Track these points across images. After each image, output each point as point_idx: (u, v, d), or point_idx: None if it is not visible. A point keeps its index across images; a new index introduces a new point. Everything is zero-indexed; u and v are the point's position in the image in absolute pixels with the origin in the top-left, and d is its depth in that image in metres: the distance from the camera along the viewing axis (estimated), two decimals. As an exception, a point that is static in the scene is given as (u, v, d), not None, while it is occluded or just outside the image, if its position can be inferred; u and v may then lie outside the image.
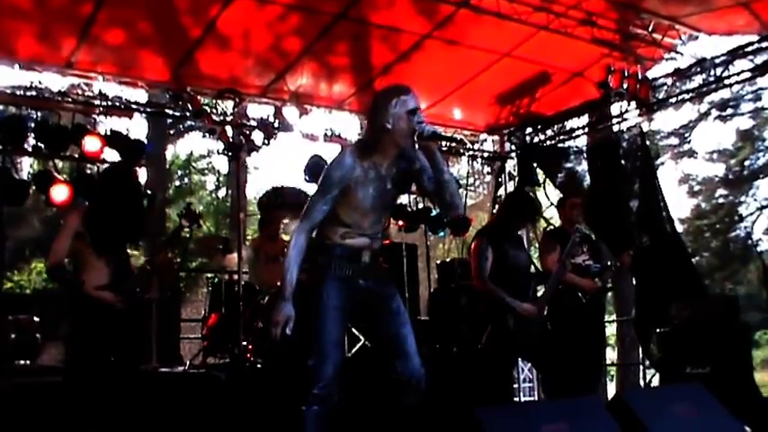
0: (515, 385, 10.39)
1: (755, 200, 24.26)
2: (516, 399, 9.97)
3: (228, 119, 9.30)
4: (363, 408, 5.33)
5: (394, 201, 4.19)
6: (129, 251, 5.50)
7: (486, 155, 11.99)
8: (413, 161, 4.07)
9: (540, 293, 6.44)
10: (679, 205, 24.92)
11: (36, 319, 7.61)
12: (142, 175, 9.96)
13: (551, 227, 8.15)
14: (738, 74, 9.00)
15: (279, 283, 6.10)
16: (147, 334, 7.23)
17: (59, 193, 8.38)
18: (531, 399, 10.50)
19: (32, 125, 8.37)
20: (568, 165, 10.98)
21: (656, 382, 9.13)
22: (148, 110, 9.72)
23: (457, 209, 4.17)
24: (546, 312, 6.36)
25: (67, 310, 5.17)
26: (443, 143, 4.48)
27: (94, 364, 5.02)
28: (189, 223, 6.01)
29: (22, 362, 7.32)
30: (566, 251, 6.49)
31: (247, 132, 9.16)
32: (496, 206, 11.22)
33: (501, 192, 11.73)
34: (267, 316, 7.22)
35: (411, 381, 3.86)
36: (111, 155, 8.84)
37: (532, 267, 6.79)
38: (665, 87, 9.63)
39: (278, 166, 52.83)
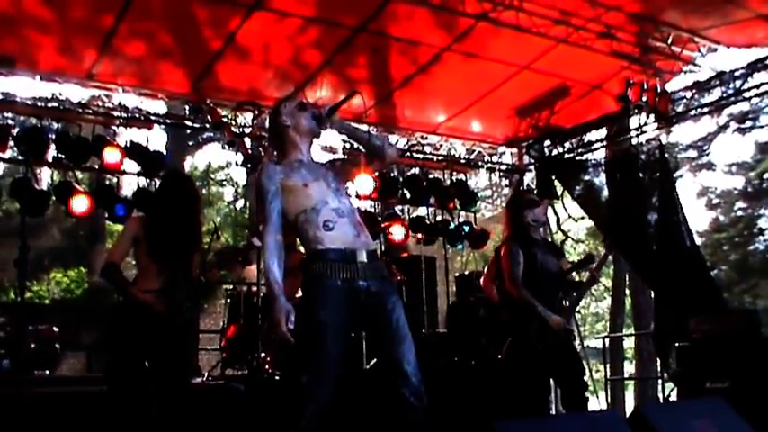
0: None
1: (775, 213, 24.08)
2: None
3: (248, 131, 9.34)
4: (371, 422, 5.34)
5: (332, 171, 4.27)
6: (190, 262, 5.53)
7: (504, 167, 11.98)
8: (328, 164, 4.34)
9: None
10: (698, 218, 24.83)
11: (56, 329, 7.67)
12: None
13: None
14: (758, 86, 8.98)
15: (294, 294, 6.13)
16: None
17: (79, 203, 8.46)
18: (551, 412, 10.43)
19: (53, 136, 8.44)
20: (587, 177, 10.96)
21: (674, 396, 9.07)
22: (168, 121, 9.78)
23: (390, 146, 4.52)
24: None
25: (109, 312, 5.31)
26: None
27: (130, 369, 5.13)
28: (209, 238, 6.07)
29: (41, 372, 7.37)
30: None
31: (266, 144, 9.19)
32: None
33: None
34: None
35: (411, 399, 3.79)
36: (131, 166, 8.91)
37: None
38: (684, 100, 9.61)
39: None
